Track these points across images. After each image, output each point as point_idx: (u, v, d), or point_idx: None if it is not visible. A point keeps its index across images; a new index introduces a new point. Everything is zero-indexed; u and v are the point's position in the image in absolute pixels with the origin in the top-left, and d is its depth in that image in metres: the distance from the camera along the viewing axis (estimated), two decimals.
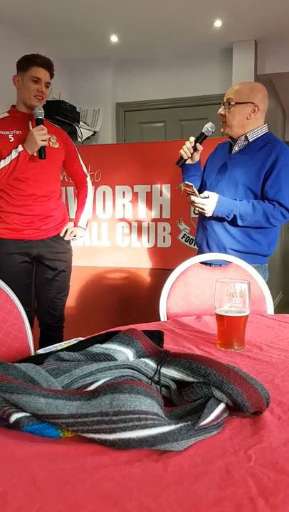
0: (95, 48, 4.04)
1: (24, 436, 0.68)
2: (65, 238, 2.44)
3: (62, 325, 2.55)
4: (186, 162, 2.14)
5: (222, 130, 2.12)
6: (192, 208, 2.74)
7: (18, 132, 2.26)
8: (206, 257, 1.87)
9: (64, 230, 2.43)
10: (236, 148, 2.10)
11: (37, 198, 2.30)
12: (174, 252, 2.96)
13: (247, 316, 1.17)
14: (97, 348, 0.91)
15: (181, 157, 2.09)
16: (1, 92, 3.52)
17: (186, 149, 2.08)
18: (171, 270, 1.80)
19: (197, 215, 2.28)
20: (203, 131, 2.08)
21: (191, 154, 2.12)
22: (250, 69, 3.96)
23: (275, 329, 1.38)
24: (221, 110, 2.07)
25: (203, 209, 2.00)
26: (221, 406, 0.73)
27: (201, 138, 2.08)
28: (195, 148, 2.09)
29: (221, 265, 1.87)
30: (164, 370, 0.83)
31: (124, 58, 4.30)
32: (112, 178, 3.06)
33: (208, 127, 2.08)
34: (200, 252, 2.19)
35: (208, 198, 1.99)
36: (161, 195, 3.00)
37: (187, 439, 0.64)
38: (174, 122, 4.36)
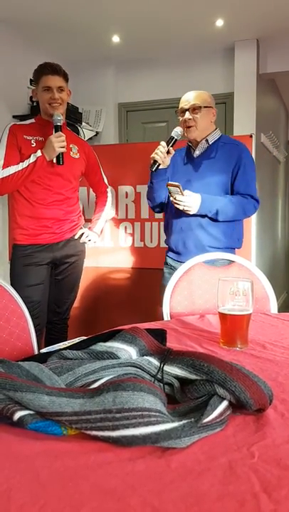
0: (96, 48, 4.04)
1: (28, 433, 0.68)
2: (80, 241, 2.48)
3: (66, 323, 2.58)
4: (159, 167, 2.17)
5: (187, 134, 2.19)
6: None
7: (40, 139, 2.32)
8: (209, 256, 1.87)
9: (79, 233, 2.47)
10: (198, 152, 2.22)
11: (50, 202, 2.34)
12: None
13: (250, 314, 1.17)
14: (101, 346, 0.91)
15: (155, 161, 2.11)
16: (3, 93, 3.53)
17: (160, 153, 2.11)
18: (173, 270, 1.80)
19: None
20: (173, 135, 2.14)
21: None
22: (252, 68, 3.96)
23: (278, 328, 1.38)
24: (188, 116, 2.15)
25: (188, 207, 2.09)
26: (224, 403, 0.73)
27: (171, 141, 2.14)
28: (168, 152, 2.14)
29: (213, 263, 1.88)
30: (167, 368, 0.83)
31: (126, 58, 4.30)
32: (115, 178, 3.06)
33: (177, 131, 2.15)
34: (176, 253, 2.25)
35: (190, 196, 2.09)
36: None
37: (190, 436, 0.64)
38: (177, 122, 4.34)
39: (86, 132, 4.01)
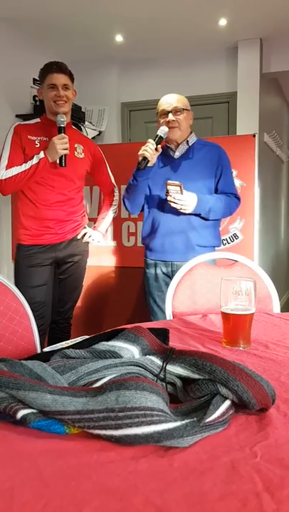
0: (100, 48, 4.04)
1: (31, 432, 0.68)
2: (83, 240, 2.48)
3: (69, 322, 2.59)
4: (147, 164, 2.19)
5: (170, 135, 2.23)
6: None
7: (44, 139, 2.32)
8: (212, 255, 1.87)
9: (82, 233, 2.48)
10: (178, 153, 2.28)
11: (53, 203, 2.35)
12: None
13: (253, 314, 1.17)
14: (103, 345, 0.91)
15: (144, 158, 2.13)
16: (6, 92, 3.54)
17: (149, 150, 2.13)
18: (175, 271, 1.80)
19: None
20: (159, 133, 2.18)
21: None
22: (255, 67, 3.95)
23: (281, 327, 1.38)
24: (172, 117, 2.20)
25: (186, 206, 2.14)
26: (227, 403, 0.73)
27: (159, 140, 2.17)
28: (156, 150, 2.16)
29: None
30: (170, 368, 0.83)
31: (129, 58, 4.30)
32: (117, 177, 3.06)
33: (164, 130, 2.19)
34: (160, 252, 2.27)
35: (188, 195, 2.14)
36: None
37: (193, 436, 0.64)
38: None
39: (89, 132, 4.01)
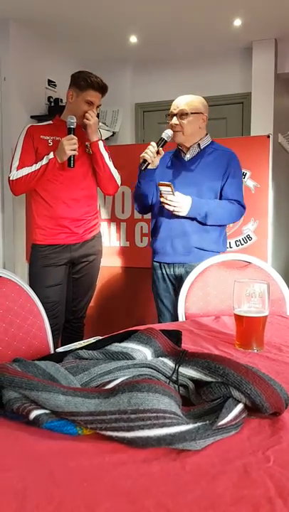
0: (114, 48, 4.05)
1: (43, 432, 0.68)
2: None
3: (82, 322, 2.60)
4: (148, 167, 2.19)
5: (174, 138, 2.22)
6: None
7: (57, 138, 2.34)
8: (226, 257, 1.87)
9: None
10: (188, 156, 2.25)
11: (67, 201, 2.36)
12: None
13: (266, 316, 1.16)
14: (116, 346, 0.91)
15: (145, 160, 2.14)
16: (21, 93, 3.57)
17: (150, 153, 2.14)
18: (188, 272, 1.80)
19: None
20: (163, 136, 2.18)
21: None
22: (270, 68, 3.92)
23: None
24: (175, 121, 2.19)
25: (179, 208, 2.11)
26: (240, 406, 0.73)
27: (161, 143, 2.17)
28: (157, 152, 2.16)
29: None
30: (182, 370, 0.83)
31: (143, 58, 4.30)
32: (131, 178, 3.06)
33: (167, 132, 2.19)
34: (162, 254, 2.26)
35: (181, 197, 2.12)
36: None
37: (205, 439, 0.64)
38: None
39: (103, 132, 4.01)
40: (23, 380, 0.71)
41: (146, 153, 2.13)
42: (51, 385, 0.71)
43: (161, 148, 2.16)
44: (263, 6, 3.25)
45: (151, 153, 2.13)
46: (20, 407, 0.70)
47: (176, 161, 2.29)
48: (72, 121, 2.26)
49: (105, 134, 4.06)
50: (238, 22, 3.53)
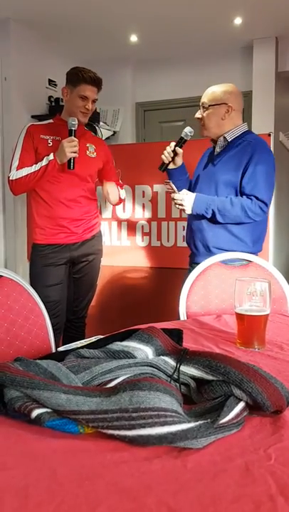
0: (114, 48, 4.05)
1: (45, 431, 0.68)
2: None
3: (84, 322, 2.60)
4: (169, 167, 2.18)
5: (200, 132, 2.18)
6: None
7: (57, 138, 2.34)
8: (227, 255, 1.86)
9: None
10: (217, 149, 2.16)
11: (66, 202, 2.37)
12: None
13: (267, 315, 1.16)
14: (117, 345, 0.91)
15: (163, 162, 2.13)
16: (22, 93, 3.57)
17: (166, 154, 2.12)
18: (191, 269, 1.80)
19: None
20: (182, 135, 2.14)
21: (173, 158, 2.16)
22: (271, 66, 3.92)
23: None
24: (198, 114, 2.15)
25: (182, 205, 2.06)
26: (241, 404, 0.73)
27: (180, 142, 2.13)
28: (175, 153, 2.13)
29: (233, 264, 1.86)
30: (184, 368, 0.83)
31: (144, 58, 4.30)
32: (132, 177, 3.07)
33: (186, 131, 2.13)
34: (191, 254, 2.25)
35: (186, 195, 2.06)
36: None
37: (206, 437, 0.64)
38: (194, 121, 4.33)
39: (104, 132, 4.02)
40: (25, 379, 0.71)
41: (163, 154, 2.13)
42: (53, 384, 0.71)
43: (178, 148, 2.12)
44: (264, 4, 3.25)
45: (167, 154, 2.11)
46: (22, 406, 0.70)
47: (210, 157, 2.21)
48: (74, 123, 2.26)
49: (106, 134, 4.07)
50: (238, 20, 3.53)
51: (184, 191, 2.08)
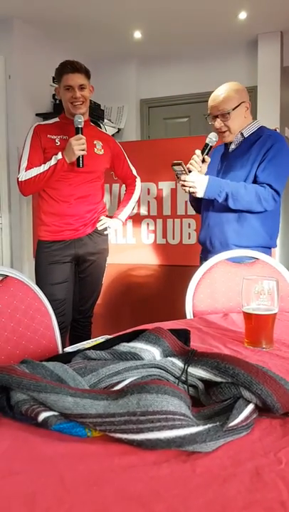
0: (118, 44, 4.03)
1: (52, 434, 0.68)
2: (98, 228, 2.45)
3: (90, 321, 2.60)
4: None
5: (223, 140, 2.13)
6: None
7: (64, 137, 2.33)
8: (233, 253, 1.85)
9: (99, 222, 2.46)
10: (233, 146, 2.14)
11: (74, 199, 2.36)
12: (200, 248, 2.93)
13: (275, 314, 1.15)
14: (124, 346, 0.90)
15: (190, 171, 2.05)
16: (26, 91, 3.56)
17: (194, 163, 2.07)
18: (196, 267, 1.79)
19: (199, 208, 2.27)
20: (207, 142, 2.09)
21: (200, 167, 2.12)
22: (276, 61, 3.89)
23: None
24: (218, 124, 2.08)
25: (194, 188, 2.00)
26: (250, 407, 0.72)
27: (206, 149, 2.09)
28: (203, 160, 2.09)
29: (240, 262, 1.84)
30: (192, 370, 0.82)
31: (148, 54, 4.28)
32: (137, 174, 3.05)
33: (211, 137, 2.09)
34: (204, 250, 2.22)
35: (197, 177, 2.01)
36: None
37: (216, 440, 0.63)
38: (199, 117, 4.31)
39: (108, 129, 4.01)
40: (31, 381, 0.71)
41: (190, 164, 2.06)
42: (59, 387, 0.70)
43: (206, 156, 2.08)
44: None
45: (196, 164, 2.06)
46: (29, 409, 0.70)
47: (223, 155, 2.19)
48: (80, 120, 2.25)
49: (110, 131, 4.06)
50: (243, 15, 3.50)
51: (195, 173, 2.03)
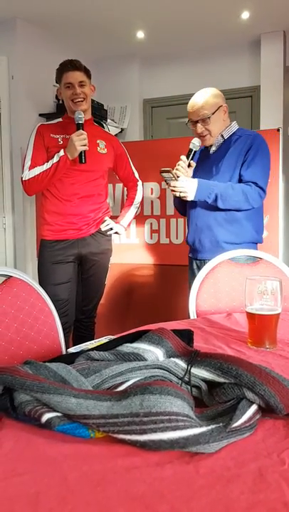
0: (121, 44, 4.03)
1: (56, 435, 0.68)
2: (102, 229, 2.46)
3: (93, 321, 2.60)
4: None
5: (203, 143, 2.19)
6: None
7: (67, 136, 2.33)
8: (236, 253, 1.85)
9: (104, 225, 2.47)
10: (214, 148, 2.20)
11: (77, 199, 2.36)
12: None
13: (279, 314, 1.15)
14: (127, 347, 0.90)
15: (178, 176, 2.10)
16: (29, 91, 3.57)
17: (181, 169, 2.11)
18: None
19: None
20: (191, 147, 2.14)
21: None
22: (278, 60, 3.88)
23: None
24: (200, 129, 2.14)
25: (185, 192, 2.06)
26: (253, 407, 0.72)
27: (191, 154, 2.14)
28: (188, 165, 2.13)
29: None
30: (195, 371, 0.82)
31: (151, 54, 4.28)
32: (140, 174, 3.05)
33: (194, 143, 2.15)
34: (193, 250, 2.25)
35: (186, 181, 2.07)
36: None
37: (219, 441, 0.63)
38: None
39: (111, 129, 4.01)
40: (35, 382, 0.71)
41: (177, 169, 2.10)
42: (62, 388, 0.70)
43: (192, 161, 2.13)
44: None
45: (183, 169, 2.10)
46: (32, 410, 0.70)
47: (204, 156, 2.24)
48: (80, 116, 2.25)
49: (114, 131, 4.06)
50: (245, 15, 3.49)
51: (183, 177, 2.07)
